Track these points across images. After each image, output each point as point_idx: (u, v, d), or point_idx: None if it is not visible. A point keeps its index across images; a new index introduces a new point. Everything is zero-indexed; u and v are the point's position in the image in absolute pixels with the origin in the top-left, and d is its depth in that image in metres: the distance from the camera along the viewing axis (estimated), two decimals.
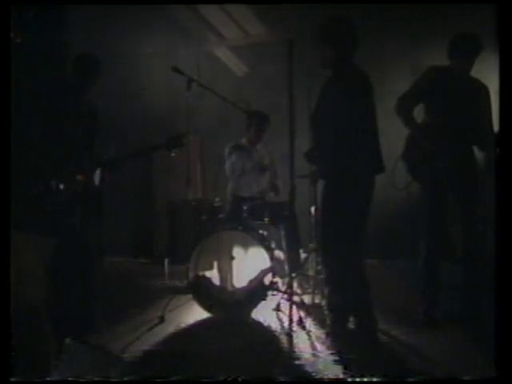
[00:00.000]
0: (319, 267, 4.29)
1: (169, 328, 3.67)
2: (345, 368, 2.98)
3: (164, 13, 5.48)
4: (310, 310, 3.97)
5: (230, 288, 3.92)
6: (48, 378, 2.81)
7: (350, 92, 3.19)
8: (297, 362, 3.11)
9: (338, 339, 3.38)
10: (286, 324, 3.61)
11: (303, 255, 4.80)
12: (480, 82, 3.76)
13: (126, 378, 2.87)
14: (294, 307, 3.66)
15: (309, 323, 3.71)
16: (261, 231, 4.25)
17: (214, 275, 3.94)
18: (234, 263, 3.92)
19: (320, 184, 3.71)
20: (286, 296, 3.89)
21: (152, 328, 3.65)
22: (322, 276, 4.07)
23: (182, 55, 5.60)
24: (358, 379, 2.80)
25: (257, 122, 4.89)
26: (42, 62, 3.42)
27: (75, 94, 3.69)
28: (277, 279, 4.06)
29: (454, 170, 3.57)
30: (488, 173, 3.53)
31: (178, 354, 3.25)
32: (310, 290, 4.39)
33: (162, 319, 3.77)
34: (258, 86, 5.64)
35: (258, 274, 3.91)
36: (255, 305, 3.89)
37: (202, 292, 3.92)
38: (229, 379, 2.70)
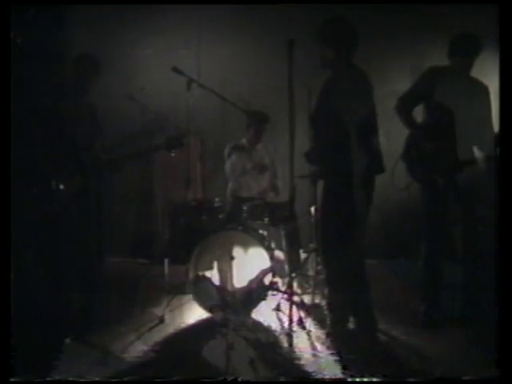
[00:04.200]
0: (319, 267, 4.29)
1: (169, 328, 3.67)
2: (345, 368, 2.98)
3: (164, 12, 5.48)
4: (310, 310, 3.97)
5: (229, 288, 3.91)
6: (48, 378, 2.82)
7: (350, 92, 3.19)
8: (297, 362, 3.11)
9: (338, 339, 3.38)
10: (286, 324, 3.60)
11: (303, 255, 4.79)
12: (480, 81, 3.76)
13: (125, 378, 2.87)
14: (294, 307, 3.65)
15: (309, 323, 3.71)
16: (261, 231, 4.25)
17: (213, 275, 3.94)
18: (234, 263, 3.91)
19: (320, 184, 3.71)
20: (286, 296, 3.89)
21: (152, 328, 3.66)
22: (321, 276, 4.07)
23: (182, 55, 5.59)
24: (357, 379, 2.80)
25: (257, 122, 4.89)
26: (42, 62, 3.42)
27: (75, 94, 3.69)
28: (277, 279, 4.05)
29: (453, 170, 3.57)
30: (488, 173, 3.53)
31: (178, 354, 3.26)
32: (310, 290, 4.39)
33: (162, 319, 3.77)
34: (258, 85, 5.63)
35: (258, 274, 3.90)
36: (255, 305, 3.89)
37: (202, 292, 3.92)
38: (229, 379, 2.70)
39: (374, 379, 2.74)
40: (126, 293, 4.48)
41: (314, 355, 3.20)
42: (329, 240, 3.39)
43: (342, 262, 3.29)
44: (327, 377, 2.91)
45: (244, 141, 5.04)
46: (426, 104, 3.72)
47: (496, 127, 3.50)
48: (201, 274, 3.93)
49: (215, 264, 3.94)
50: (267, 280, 3.91)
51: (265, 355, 3.19)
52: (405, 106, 3.68)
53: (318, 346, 3.34)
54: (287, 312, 3.56)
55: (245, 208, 4.42)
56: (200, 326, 3.77)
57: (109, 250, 4.70)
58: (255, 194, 4.86)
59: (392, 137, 3.89)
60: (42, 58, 3.40)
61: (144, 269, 5.50)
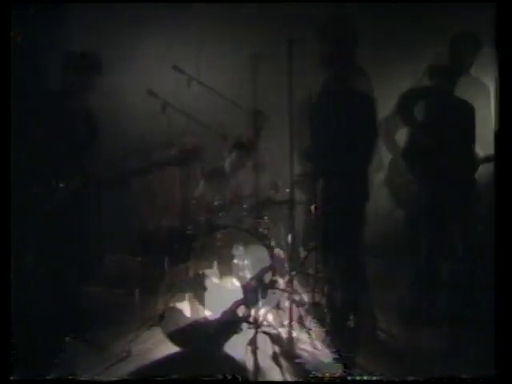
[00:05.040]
0: (319, 265, 4.28)
1: (169, 326, 3.67)
2: (345, 366, 2.99)
3: (164, 12, 5.47)
4: (310, 308, 3.97)
5: (230, 286, 3.92)
6: (47, 377, 2.82)
7: (350, 91, 3.19)
8: (297, 361, 3.12)
9: (338, 337, 3.38)
10: (286, 322, 3.61)
11: (303, 253, 4.79)
12: (480, 80, 3.76)
13: (126, 377, 2.88)
14: (294, 305, 3.66)
15: (309, 321, 3.71)
16: (261, 229, 4.25)
17: (214, 274, 3.94)
18: (234, 262, 3.91)
19: (320, 182, 3.71)
20: (286, 294, 3.89)
21: (152, 326, 3.66)
22: (322, 274, 4.07)
23: (182, 54, 5.58)
24: (357, 377, 2.81)
25: (256, 120, 4.88)
26: (42, 61, 3.42)
27: (75, 94, 3.69)
28: (277, 277, 4.05)
29: (453, 169, 3.57)
30: (488, 172, 3.54)
31: (178, 353, 3.26)
32: (310, 289, 4.38)
33: (161, 317, 3.77)
34: (258, 85, 5.62)
35: (258, 273, 3.90)
36: (255, 303, 3.89)
37: (202, 290, 3.92)
38: (229, 378, 2.71)
39: (374, 377, 2.75)
40: (126, 291, 4.48)
41: (314, 353, 3.21)
42: (329, 238, 3.39)
43: (342, 260, 3.29)
44: (327, 375, 2.92)
45: (244, 139, 5.03)
46: (426, 103, 3.72)
47: (496, 126, 3.50)
48: (201, 272, 3.93)
49: (215, 262, 3.94)
50: (267, 278, 3.91)
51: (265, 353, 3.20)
52: (405, 105, 3.68)
53: (318, 345, 3.35)
54: (287, 310, 3.58)
55: (245, 206, 4.42)
56: (200, 324, 3.78)
57: (108, 248, 4.69)
58: (255, 192, 4.85)
59: (392, 135, 3.88)
60: (42, 57, 3.40)
61: (144, 267, 5.49)
